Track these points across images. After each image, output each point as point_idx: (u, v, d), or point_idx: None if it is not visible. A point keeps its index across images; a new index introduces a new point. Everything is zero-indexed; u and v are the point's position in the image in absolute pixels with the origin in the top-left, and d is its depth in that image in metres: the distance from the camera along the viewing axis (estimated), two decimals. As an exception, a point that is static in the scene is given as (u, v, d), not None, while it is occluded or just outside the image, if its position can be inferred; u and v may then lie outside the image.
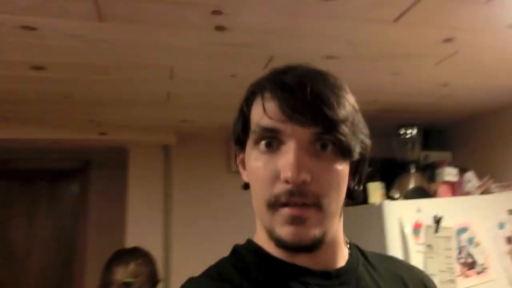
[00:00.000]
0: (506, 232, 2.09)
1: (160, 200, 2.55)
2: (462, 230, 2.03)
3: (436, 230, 1.98)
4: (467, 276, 1.96)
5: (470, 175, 2.24)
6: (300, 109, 0.53)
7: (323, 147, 0.55)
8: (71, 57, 1.37)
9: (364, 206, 2.13)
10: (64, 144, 2.48)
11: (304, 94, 0.53)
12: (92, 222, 2.99)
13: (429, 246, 1.96)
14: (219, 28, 1.24)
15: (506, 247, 2.07)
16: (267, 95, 0.57)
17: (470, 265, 1.98)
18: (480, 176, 2.27)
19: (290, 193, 0.53)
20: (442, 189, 2.20)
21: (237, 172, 2.39)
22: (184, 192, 2.58)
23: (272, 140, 0.55)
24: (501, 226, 2.09)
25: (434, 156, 2.52)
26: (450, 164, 2.27)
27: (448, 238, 1.98)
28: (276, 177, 0.54)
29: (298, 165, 0.52)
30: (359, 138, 0.59)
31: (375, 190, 2.16)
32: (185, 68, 1.54)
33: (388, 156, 2.46)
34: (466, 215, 2.06)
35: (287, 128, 0.54)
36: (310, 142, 0.54)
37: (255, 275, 0.58)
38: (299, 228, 0.53)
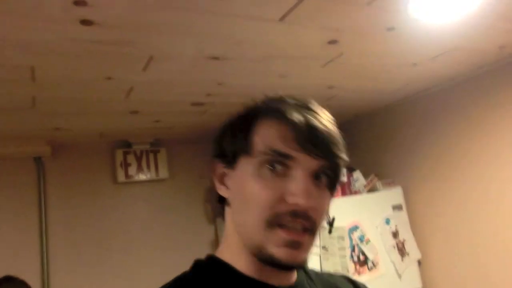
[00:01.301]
0: (392, 227, 2.20)
1: (35, 220, 2.23)
2: (354, 228, 2.08)
3: (330, 231, 2.01)
4: (360, 273, 2.01)
5: (357, 174, 2.32)
6: (314, 142, 0.56)
7: (317, 177, 0.58)
8: None
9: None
10: None
11: (318, 129, 0.57)
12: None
13: (324, 247, 1.98)
14: (85, 22, 1.06)
15: (392, 241, 2.18)
16: (275, 121, 0.59)
17: (363, 262, 2.05)
18: (365, 175, 2.37)
19: (295, 214, 0.56)
20: (333, 189, 2.24)
21: (126, 183, 2.14)
22: (62, 210, 2.29)
23: (279, 164, 0.57)
24: (387, 221, 2.20)
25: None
26: (340, 164, 2.33)
27: (341, 237, 2.01)
28: (280, 199, 0.56)
29: (309, 193, 0.56)
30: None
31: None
32: (47, 68, 1.31)
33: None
34: (356, 213, 2.12)
35: (299, 156, 0.57)
36: (314, 172, 0.58)
37: None
38: (294, 251, 0.56)
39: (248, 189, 0.59)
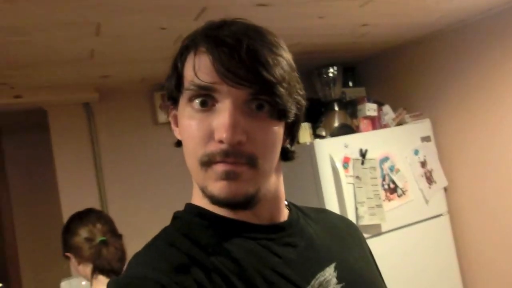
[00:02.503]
0: (420, 158, 2.35)
1: (89, 158, 2.44)
2: (384, 159, 2.24)
3: (363, 162, 2.17)
4: (390, 200, 2.20)
5: (386, 108, 2.43)
6: (236, 68, 0.52)
7: (259, 107, 0.55)
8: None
9: (296, 146, 2.24)
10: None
11: (240, 52, 0.52)
12: (14, 190, 2.79)
13: (357, 177, 2.16)
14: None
15: (421, 170, 2.34)
16: (201, 50, 0.55)
17: (392, 190, 2.23)
18: (394, 108, 2.48)
19: (225, 153, 0.53)
20: (363, 124, 2.37)
21: (165, 124, 2.33)
22: (112, 149, 2.49)
23: (206, 98, 0.54)
24: (416, 152, 2.35)
25: (350, 92, 2.65)
26: (369, 100, 2.43)
27: (373, 168, 2.18)
28: (210, 136, 0.54)
29: (234, 126, 0.52)
30: (296, 99, 0.59)
31: (304, 130, 2.27)
32: (112, 24, 1.42)
33: (311, 96, 2.56)
34: (386, 146, 2.27)
35: (222, 87, 0.53)
36: (246, 102, 0.54)
37: (203, 238, 0.58)
38: (231, 183, 0.54)
39: (182, 129, 0.58)
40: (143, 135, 2.57)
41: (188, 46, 0.58)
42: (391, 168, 2.26)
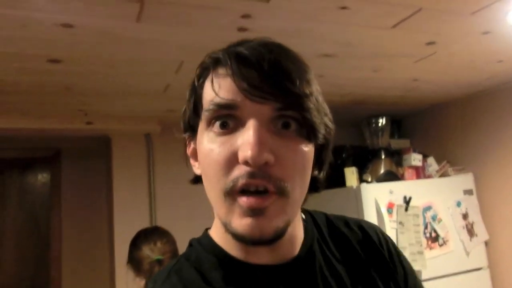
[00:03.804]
0: (462, 209, 2.40)
1: (144, 185, 2.62)
2: (427, 208, 2.31)
3: (406, 209, 2.24)
4: (431, 248, 2.25)
5: (431, 160, 2.53)
6: (259, 83, 0.47)
7: (286, 125, 0.49)
8: (88, 50, 1.41)
9: (342, 188, 2.35)
10: (37, 133, 2.45)
11: (262, 66, 0.47)
12: (66, 212, 2.97)
13: (400, 223, 2.22)
14: (241, 29, 1.35)
15: (462, 222, 2.38)
16: (220, 68, 0.51)
17: (434, 238, 2.28)
18: (438, 161, 2.56)
19: (251, 174, 0.46)
20: (408, 172, 2.47)
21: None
22: (166, 176, 2.66)
23: (228, 119, 0.49)
24: (458, 204, 2.40)
25: (394, 143, 2.79)
26: (415, 150, 2.54)
27: (416, 215, 2.25)
28: (233, 160, 0.48)
29: (260, 144, 0.46)
30: (323, 120, 0.53)
31: (351, 174, 2.38)
32: (194, 62, 1.61)
33: (359, 144, 2.70)
34: (430, 195, 2.34)
35: (245, 104, 0.48)
36: (271, 119, 0.48)
37: (214, 279, 0.53)
38: (259, 220, 0.47)
39: (202, 157, 0.52)
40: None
41: (207, 66, 0.54)
42: (434, 217, 2.31)
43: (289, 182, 0.48)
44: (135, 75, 1.71)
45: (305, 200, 0.55)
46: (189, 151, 0.59)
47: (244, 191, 0.47)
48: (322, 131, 0.52)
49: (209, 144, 0.50)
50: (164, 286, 0.54)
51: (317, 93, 0.52)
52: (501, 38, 1.61)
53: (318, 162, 0.56)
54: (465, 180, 2.49)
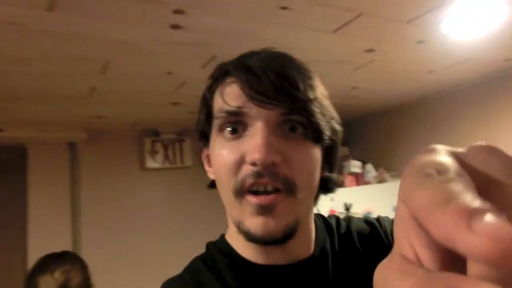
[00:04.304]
0: (399, 215, 2.44)
1: (67, 201, 2.37)
2: (367, 214, 2.31)
3: (346, 217, 2.23)
4: (371, 255, 2.25)
5: (369, 167, 2.55)
6: (265, 90, 0.49)
7: (292, 129, 0.51)
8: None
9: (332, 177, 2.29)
10: None
11: (268, 75, 0.50)
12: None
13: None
14: (175, 26, 1.23)
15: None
16: (229, 79, 0.53)
17: (373, 245, 2.28)
18: (375, 167, 2.59)
19: (258, 174, 0.48)
20: (348, 179, 2.46)
21: (152, 170, 2.32)
22: (93, 192, 2.43)
23: (237, 125, 0.51)
24: (395, 209, 2.43)
25: (333, 150, 2.79)
26: (354, 157, 2.55)
27: (355, 223, 2.24)
28: (242, 162, 0.50)
29: (267, 145, 0.48)
30: (330, 123, 0.55)
31: (291, 183, 2.33)
32: (121, 63, 1.47)
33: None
34: (369, 201, 2.35)
35: (252, 110, 0.50)
36: (278, 124, 0.50)
37: (228, 280, 0.55)
38: (268, 219, 0.49)
39: (215, 161, 0.55)
40: (128, 180, 2.54)
41: (217, 77, 0.56)
42: (372, 225, 2.32)
43: (297, 181, 0.50)
44: (54, 75, 1.52)
45: (316, 199, 0.58)
46: (203, 157, 0.61)
47: (253, 191, 0.49)
48: (328, 133, 0.54)
49: (220, 149, 0.52)
50: (176, 284, 0.56)
51: (322, 97, 0.55)
52: (434, 47, 1.63)
53: (327, 163, 0.58)
54: (401, 186, 2.54)
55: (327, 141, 0.55)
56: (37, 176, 2.32)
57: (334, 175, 0.60)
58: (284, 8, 1.19)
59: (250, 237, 0.50)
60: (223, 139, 0.52)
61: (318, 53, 1.57)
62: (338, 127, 0.58)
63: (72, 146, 2.41)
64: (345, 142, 2.96)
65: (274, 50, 0.56)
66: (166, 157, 2.60)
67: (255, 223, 0.49)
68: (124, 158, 2.55)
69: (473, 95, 2.28)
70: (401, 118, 2.67)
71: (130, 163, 2.56)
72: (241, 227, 0.51)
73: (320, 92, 0.55)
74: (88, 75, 1.56)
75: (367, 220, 0.68)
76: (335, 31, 1.38)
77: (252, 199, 0.49)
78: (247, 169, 0.49)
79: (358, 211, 2.24)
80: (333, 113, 0.58)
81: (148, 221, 2.53)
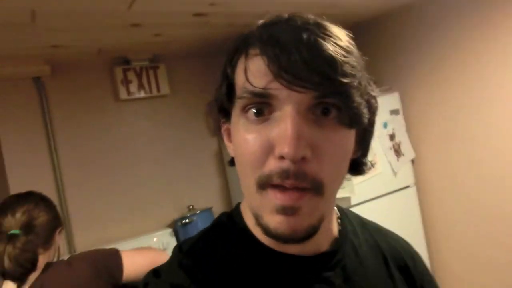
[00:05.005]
0: (389, 130, 2.31)
1: (42, 139, 2.26)
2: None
3: (332, 136, 2.11)
4: (359, 173, 2.16)
5: (356, 81, 2.38)
6: (296, 69, 0.43)
7: (325, 112, 0.47)
8: None
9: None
10: None
11: (299, 49, 0.44)
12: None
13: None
14: None
15: (389, 143, 2.30)
16: (253, 51, 0.47)
17: (361, 163, 2.18)
18: (364, 81, 2.42)
19: (285, 173, 0.45)
20: (333, 97, 2.31)
21: (127, 101, 2.17)
22: (68, 128, 2.32)
23: (263, 107, 0.46)
24: (385, 125, 2.31)
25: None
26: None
27: (342, 141, 2.12)
28: (269, 151, 0.46)
29: (297, 138, 0.43)
30: (368, 101, 0.51)
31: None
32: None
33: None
34: (356, 118, 2.22)
35: (281, 92, 0.45)
36: (310, 107, 0.46)
37: (242, 263, 0.53)
38: (291, 218, 0.46)
39: (237, 144, 0.50)
40: (102, 114, 2.41)
41: (239, 48, 0.50)
42: (360, 142, 2.21)
43: (326, 179, 0.47)
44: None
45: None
46: (223, 130, 0.57)
47: (275, 185, 0.46)
48: (366, 115, 0.50)
49: (244, 133, 0.48)
50: (193, 251, 0.55)
51: (361, 72, 0.49)
52: None
53: (361, 145, 0.54)
54: (391, 100, 2.39)
55: (365, 124, 0.51)
56: (5, 114, 2.19)
57: (366, 158, 0.56)
58: None
59: (269, 233, 0.48)
60: (247, 120, 0.48)
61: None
62: (376, 105, 0.54)
63: (37, 81, 2.25)
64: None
65: (306, 15, 0.49)
66: (141, 86, 2.44)
67: (277, 221, 0.46)
68: (95, 90, 2.40)
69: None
70: (390, 27, 2.45)
71: (102, 95, 2.41)
72: (260, 221, 0.48)
73: (359, 65, 0.49)
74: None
75: (390, 233, 0.71)
76: None
77: (275, 197, 0.46)
78: (274, 165, 0.45)
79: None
80: (371, 88, 0.53)
81: (128, 155, 2.44)
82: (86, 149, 2.35)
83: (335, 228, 0.59)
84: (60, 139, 2.29)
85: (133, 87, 2.42)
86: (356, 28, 2.58)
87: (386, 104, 2.35)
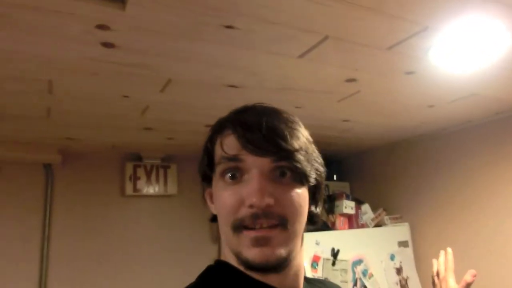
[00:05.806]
0: (396, 263, 2.16)
1: (38, 228, 2.22)
2: (358, 262, 2.05)
3: (334, 263, 1.98)
4: (360, 309, 1.98)
5: (366, 208, 2.30)
6: (257, 141, 0.58)
7: (282, 174, 0.59)
8: None
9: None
10: None
11: (260, 128, 0.59)
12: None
13: (326, 279, 1.95)
14: (106, 44, 1.07)
15: (396, 278, 2.14)
16: (227, 131, 0.62)
17: (363, 298, 2.01)
18: (374, 208, 2.34)
19: (255, 215, 0.56)
20: (340, 221, 2.22)
21: (133, 196, 2.15)
22: (68, 219, 2.28)
23: (235, 171, 0.60)
24: (392, 257, 2.16)
25: (334, 186, 2.57)
26: (348, 196, 2.30)
27: (344, 270, 1.98)
28: (241, 203, 0.58)
29: (262, 191, 0.56)
30: (314, 166, 0.63)
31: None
32: (65, 83, 1.33)
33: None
34: (362, 247, 2.10)
35: (247, 158, 0.59)
36: (270, 170, 0.59)
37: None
38: (264, 249, 0.56)
39: (217, 201, 0.63)
40: (107, 207, 2.38)
41: (216, 130, 0.65)
42: (364, 272, 2.06)
43: (289, 217, 0.58)
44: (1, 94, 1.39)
45: (304, 231, 0.64)
46: (206, 194, 0.70)
47: (247, 227, 0.58)
48: (313, 175, 0.63)
49: (223, 192, 0.61)
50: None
51: (307, 144, 0.63)
52: (427, 80, 1.41)
53: (313, 200, 0.66)
54: (401, 231, 2.27)
55: (312, 182, 0.63)
56: (10, 197, 2.20)
57: (318, 211, 0.68)
58: (229, 27, 1.01)
59: (249, 265, 0.58)
60: (225, 183, 0.61)
61: (286, 80, 1.38)
62: (322, 169, 0.66)
63: (47, 168, 2.28)
64: (345, 178, 2.73)
65: (266, 105, 0.66)
66: (149, 183, 2.44)
67: (253, 253, 0.57)
68: (103, 183, 2.40)
69: (481, 133, 2.03)
70: (404, 156, 2.43)
71: (108, 189, 2.41)
72: (240, 257, 0.58)
73: (304, 140, 0.63)
74: (36, 94, 1.42)
75: (325, 282, 0.82)
76: (301, 56, 1.19)
77: (249, 234, 0.57)
78: (246, 211, 0.57)
79: (347, 257, 1.99)
80: (317, 156, 0.66)
81: (126, 253, 2.36)
82: (82, 243, 2.28)
83: (302, 275, 0.67)
84: (56, 229, 2.25)
85: (141, 184, 2.42)
86: (370, 152, 2.59)
87: (395, 234, 2.24)
